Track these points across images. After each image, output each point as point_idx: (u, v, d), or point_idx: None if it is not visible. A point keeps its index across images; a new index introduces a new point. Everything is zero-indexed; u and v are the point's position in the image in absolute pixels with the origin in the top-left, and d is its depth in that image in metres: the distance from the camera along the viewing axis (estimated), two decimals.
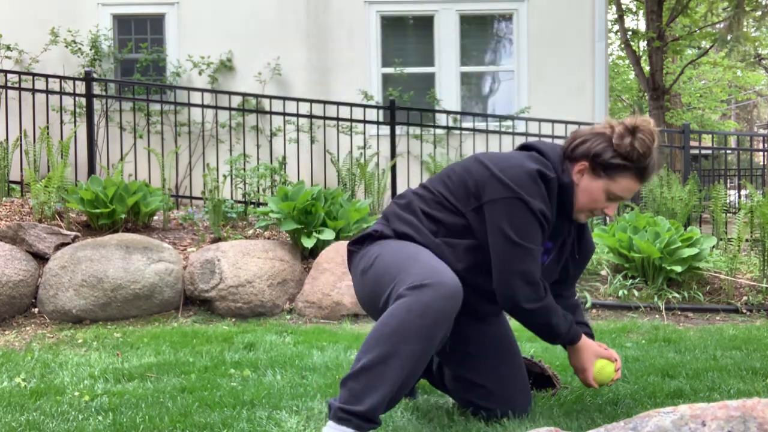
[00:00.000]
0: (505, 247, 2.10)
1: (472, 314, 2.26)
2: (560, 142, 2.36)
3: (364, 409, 1.86)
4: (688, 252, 4.77)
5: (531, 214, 2.10)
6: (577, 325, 2.33)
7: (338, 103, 6.96)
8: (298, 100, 6.91)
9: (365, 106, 7.19)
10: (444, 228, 2.16)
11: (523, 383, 2.32)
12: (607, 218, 7.19)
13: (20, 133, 6.38)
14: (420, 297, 1.89)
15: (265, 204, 5.60)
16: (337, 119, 6.89)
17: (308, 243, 4.83)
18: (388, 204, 2.35)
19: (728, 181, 15.80)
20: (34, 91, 6.52)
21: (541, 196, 2.12)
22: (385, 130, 7.22)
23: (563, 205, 2.20)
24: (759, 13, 14.70)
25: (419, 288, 1.90)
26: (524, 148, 2.30)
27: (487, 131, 7.44)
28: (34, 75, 6.70)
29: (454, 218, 2.16)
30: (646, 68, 16.71)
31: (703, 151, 19.42)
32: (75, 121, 6.99)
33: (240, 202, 6.11)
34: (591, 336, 2.39)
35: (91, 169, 6.53)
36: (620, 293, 4.73)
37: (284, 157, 6.69)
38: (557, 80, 8.30)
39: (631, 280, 4.87)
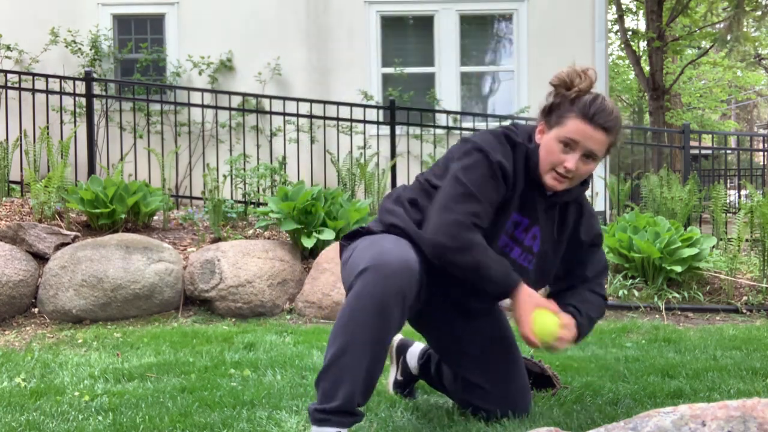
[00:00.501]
0: (450, 185, 2.07)
1: (459, 310, 2.26)
2: None
3: (337, 404, 1.89)
4: (688, 252, 4.77)
5: (487, 164, 2.06)
6: (566, 305, 2.18)
7: (338, 103, 6.96)
8: (298, 100, 6.91)
9: (365, 106, 7.19)
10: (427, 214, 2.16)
11: (522, 383, 2.31)
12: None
13: (20, 133, 6.38)
14: (365, 281, 1.92)
15: (265, 204, 5.59)
16: (337, 119, 6.89)
17: (308, 243, 4.83)
18: None
19: (728, 181, 15.79)
20: (34, 91, 6.51)
21: (504, 152, 2.10)
22: (385, 130, 7.22)
23: (532, 172, 2.14)
24: (759, 13, 14.70)
25: (364, 272, 1.93)
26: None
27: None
28: (34, 75, 6.70)
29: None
30: (646, 68, 16.72)
31: (703, 151, 19.42)
32: (75, 121, 6.99)
33: (240, 202, 6.11)
34: (576, 316, 2.17)
35: (91, 169, 6.53)
36: (620, 293, 4.73)
37: (284, 157, 6.69)
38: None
39: (631, 280, 4.87)
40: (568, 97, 2.10)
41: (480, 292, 2.14)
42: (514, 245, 2.19)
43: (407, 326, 2.27)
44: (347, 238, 2.26)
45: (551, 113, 2.14)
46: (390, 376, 2.67)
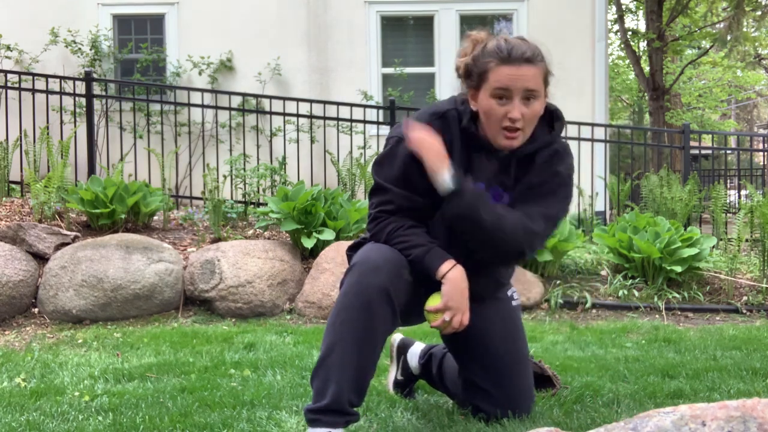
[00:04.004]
0: None
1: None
2: None
3: (326, 403, 1.90)
4: (688, 252, 4.77)
5: (394, 150, 2.07)
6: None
7: (338, 103, 6.96)
8: (298, 100, 6.91)
9: (365, 106, 7.19)
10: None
11: (527, 384, 2.28)
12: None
13: (20, 133, 6.38)
14: (350, 279, 1.97)
15: (265, 204, 5.59)
16: (337, 119, 6.89)
17: (308, 243, 4.83)
18: None
19: (728, 181, 15.79)
20: (34, 91, 6.51)
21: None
22: (385, 130, 7.22)
23: (470, 135, 2.08)
24: (759, 13, 14.71)
25: (349, 271, 1.98)
26: None
27: None
28: (34, 75, 6.70)
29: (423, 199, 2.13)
30: (646, 68, 16.71)
31: (703, 151, 19.41)
32: (75, 121, 6.99)
33: (240, 202, 6.11)
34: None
35: (91, 169, 6.53)
36: (620, 293, 4.73)
37: (284, 157, 6.69)
38: (557, 80, 8.26)
39: (631, 280, 4.87)
40: (476, 57, 2.04)
41: (477, 269, 2.10)
42: None
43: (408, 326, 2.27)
44: (352, 248, 2.27)
45: (470, 75, 2.07)
46: (389, 375, 2.67)
